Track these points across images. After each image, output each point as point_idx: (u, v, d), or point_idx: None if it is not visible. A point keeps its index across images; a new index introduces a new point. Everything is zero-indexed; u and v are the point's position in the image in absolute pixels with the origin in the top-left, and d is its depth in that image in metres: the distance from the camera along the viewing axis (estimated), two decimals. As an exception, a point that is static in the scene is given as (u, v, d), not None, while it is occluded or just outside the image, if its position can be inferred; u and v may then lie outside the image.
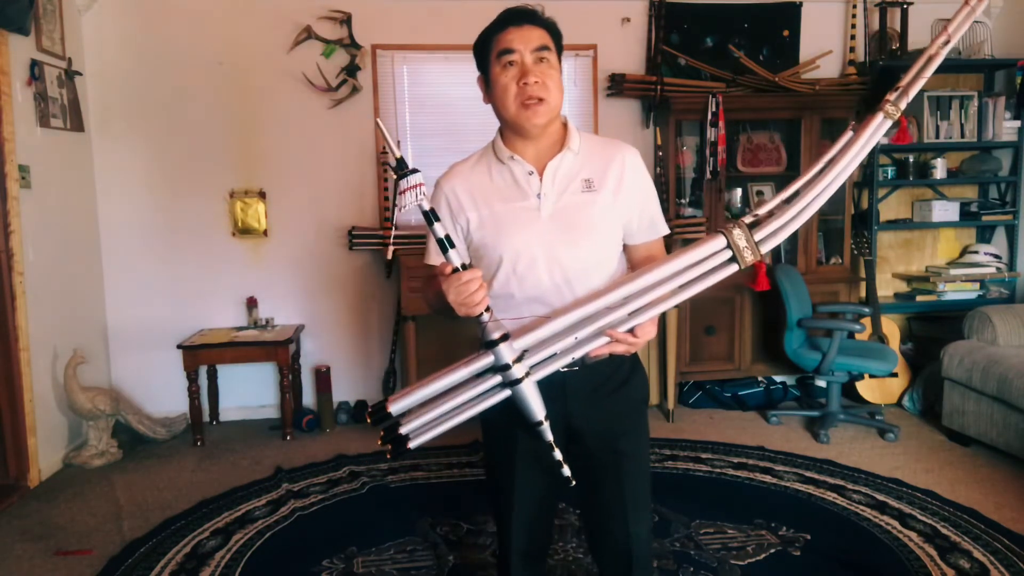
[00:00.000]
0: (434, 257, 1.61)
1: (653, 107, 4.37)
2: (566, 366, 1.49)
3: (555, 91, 1.54)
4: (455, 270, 1.39)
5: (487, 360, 1.41)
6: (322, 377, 4.18)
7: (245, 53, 4.12)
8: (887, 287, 4.73)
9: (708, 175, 4.22)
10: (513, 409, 1.47)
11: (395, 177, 1.35)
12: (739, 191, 4.48)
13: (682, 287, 1.43)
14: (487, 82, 1.59)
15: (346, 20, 4.11)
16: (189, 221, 4.18)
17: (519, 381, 1.41)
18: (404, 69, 4.24)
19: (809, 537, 2.74)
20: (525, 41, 1.52)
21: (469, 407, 1.44)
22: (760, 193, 4.52)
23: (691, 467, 3.45)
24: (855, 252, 4.34)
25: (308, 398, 4.35)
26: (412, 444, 1.45)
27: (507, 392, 1.43)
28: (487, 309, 1.41)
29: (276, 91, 4.16)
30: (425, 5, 4.19)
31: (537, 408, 1.44)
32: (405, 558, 2.66)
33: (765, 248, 1.41)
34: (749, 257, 1.40)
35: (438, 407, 1.43)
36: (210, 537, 2.84)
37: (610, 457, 1.64)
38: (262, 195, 4.21)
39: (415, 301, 3.74)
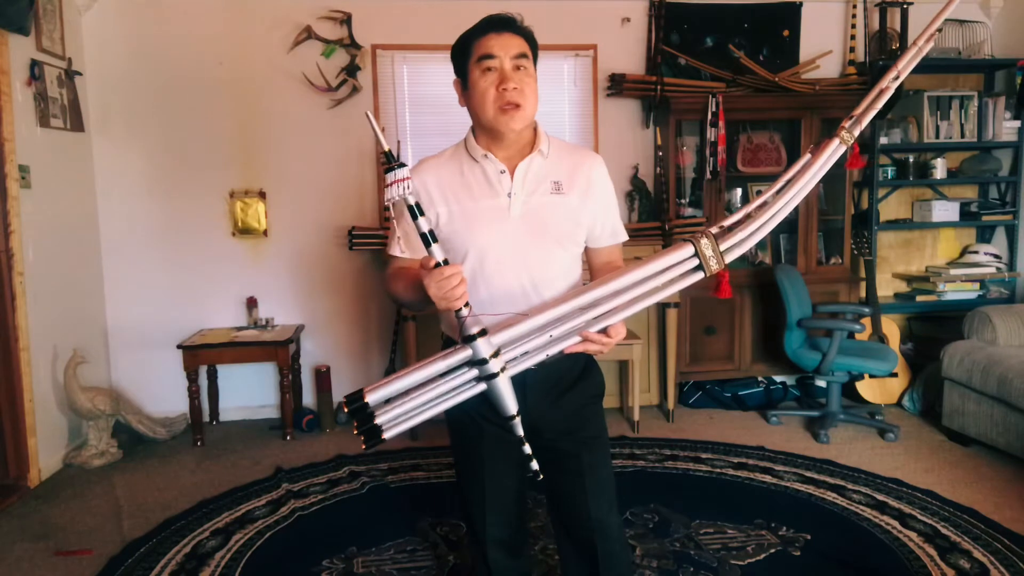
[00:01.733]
0: (395, 248, 1.64)
1: (653, 107, 4.37)
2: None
3: (531, 98, 1.58)
4: (437, 265, 1.41)
5: (465, 354, 1.44)
6: (322, 377, 4.18)
7: (245, 53, 4.12)
8: (887, 287, 4.73)
9: (708, 175, 4.22)
10: (479, 403, 1.50)
11: (383, 169, 1.38)
12: (739, 191, 4.48)
13: (651, 291, 1.49)
14: (464, 85, 1.63)
15: (346, 20, 4.11)
16: (189, 221, 4.18)
17: (495, 375, 1.44)
18: (404, 69, 4.24)
19: (809, 537, 2.74)
20: (505, 48, 1.56)
21: (445, 399, 1.47)
22: (760, 193, 4.51)
23: (691, 467, 3.45)
24: (855, 252, 4.34)
25: (308, 398, 4.35)
26: (387, 435, 1.47)
27: (483, 386, 1.46)
28: (466, 304, 1.43)
29: (276, 91, 4.16)
30: (425, 5, 4.19)
31: (511, 403, 1.48)
32: (405, 558, 2.66)
33: (729, 258, 1.49)
34: (714, 265, 1.47)
35: (414, 399, 1.46)
36: (210, 537, 2.84)
37: (568, 447, 1.69)
38: (262, 195, 4.21)
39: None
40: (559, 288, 1.60)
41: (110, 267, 4.15)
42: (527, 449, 1.53)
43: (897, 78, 1.49)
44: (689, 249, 1.46)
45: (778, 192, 1.52)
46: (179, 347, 3.86)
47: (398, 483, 3.34)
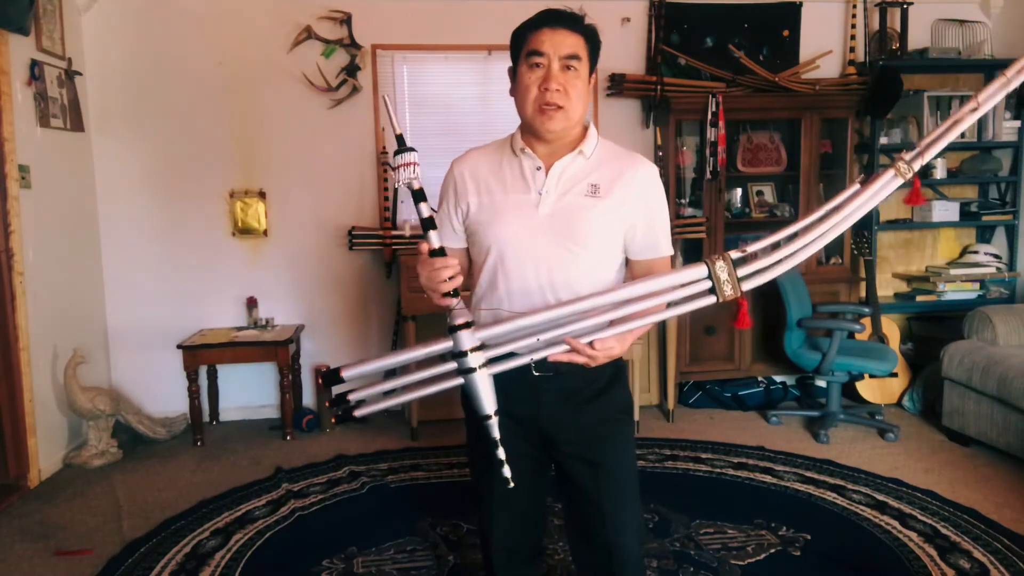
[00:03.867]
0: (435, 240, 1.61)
1: (653, 107, 4.37)
2: (539, 370, 1.49)
3: (576, 101, 1.53)
4: (433, 252, 1.42)
5: (446, 344, 1.42)
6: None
7: (245, 53, 4.12)
8: (887, 287, 4.73)
9: (708, 175, 4.22)
10: (500, 405, 1.47)
11: (393, 152, 1.40)
12: (739, 191, 4.48)
13: (655, 309, 1.44)
14: (514, 76, 1.59)
15: (346, 20, 4.11)
16: (189, 221, 4.18)
17: (472, 370, 1.42)
18: (404, 69, 4.24)
19: (809, 537, 2.74)
20: (556, 46, 1.51)
21: (421, 387, 1.46)
22: (760, 193, 4.52)
23: (691, 467, 3.44)
24: (855, 252, 4.34)
25: (308, 398, 4.35)
26: (359, 413, 1.49)
27: (460, 380, 1.44)
28: (455, 294, 1.43)
29: (276, 91, 4.16)
30: (425, 5, 4.19)
31: (487, 402, 1.44)
32: (405, 558, 2.66)
33: (747, 286, 1.40)
34: (728, 292, 1.38)
35: (391, 382, 1.48)
36: (210, 537, 2.84)
37: (586, 465, 1.63)
38: (262, 195, 4.21)
39: (415, 301, 3.74)
40: (579, 292, 1.52)
41: (110, 267, 4.15)
42: (500, 454, 1.47)
43: (975, 110, 1.36)
44: (702, 270, 1.39)
45: (817, 221, 1.40)
46: (179, 347, 3.86)
47: (398, 483, 3.33)
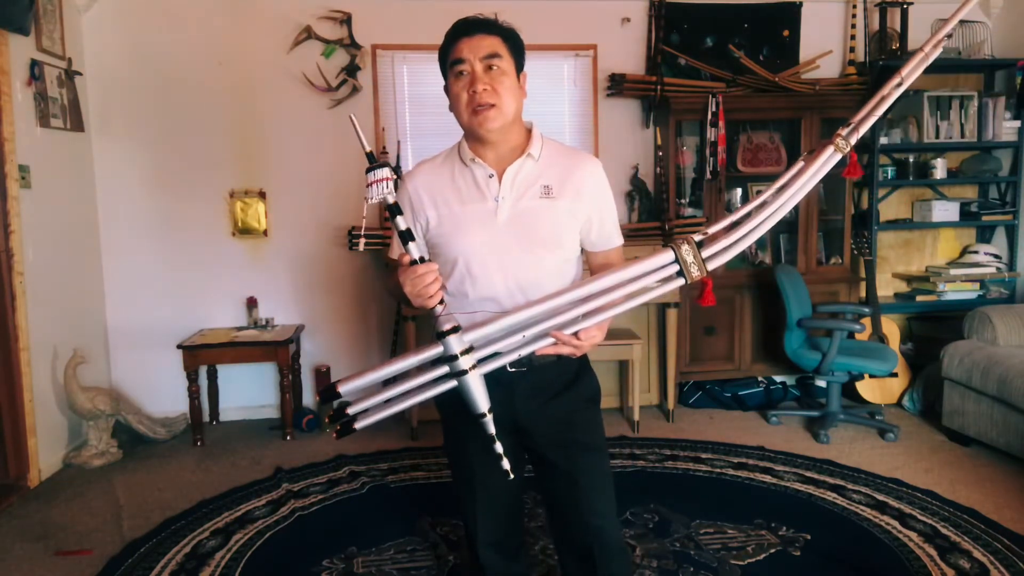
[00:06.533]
0: (396, 251, 1.67)
1: (653, 107, 4.37)
2: (514, 366, 1.54)
3: (507, 97, 1.58)
4: (413, 262, 1.44)
5: (436, 350, 1.46)
6: (322, 377, 4.18)
7: (245, 53, 4.12)
8: (887, 287, 4.73)
9: (708, 175, 4.22)
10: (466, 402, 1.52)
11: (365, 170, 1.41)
12: (739, 191, 4.48)
13: (630, 296, 1.49)
14: (448, 92, 1.65)
15: (346, 20, 4.11)
16: (189, 221, 4.18)
17: (465, 372, 1.46)
18: (404, 69, 4.24)
19: (809, 537, 2.74)
20: (474, 50, 1.57)
21: (416, 393, 1.50)
22: (760, 193, 4.52)
23: (691, 467, 3.45)
24: (855, 252, 4.34)
25: (308, 398, 4.35)
26: (358, 425, 1.51)
27: (453, 382, 1.48)
28: (441, 302, 1.47)
29: (276, 91, 4.16)
30: (425, 5, 4.19)
31: (481, 400, 1.49)
32: (405, 558, 2.66)
33: (712, 265, 1.47)
34: (695, 273, 1.45)
35: (387, 391, 1.49)
36: (210, 537, 2.84)
37: (561, 452, 1.68)
38: (262, 195, 4.21)
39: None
40: (547, 291, 1.58)
41: (110, 267, 4.15)
42: (498, 448, 1.54)
43: (900, 85, 1.45)
44: (669, 255, 1.45)
45: (766, 200, 1.50)
46: (179, 347, 3.86)
47: (398, 483, 3.34)
